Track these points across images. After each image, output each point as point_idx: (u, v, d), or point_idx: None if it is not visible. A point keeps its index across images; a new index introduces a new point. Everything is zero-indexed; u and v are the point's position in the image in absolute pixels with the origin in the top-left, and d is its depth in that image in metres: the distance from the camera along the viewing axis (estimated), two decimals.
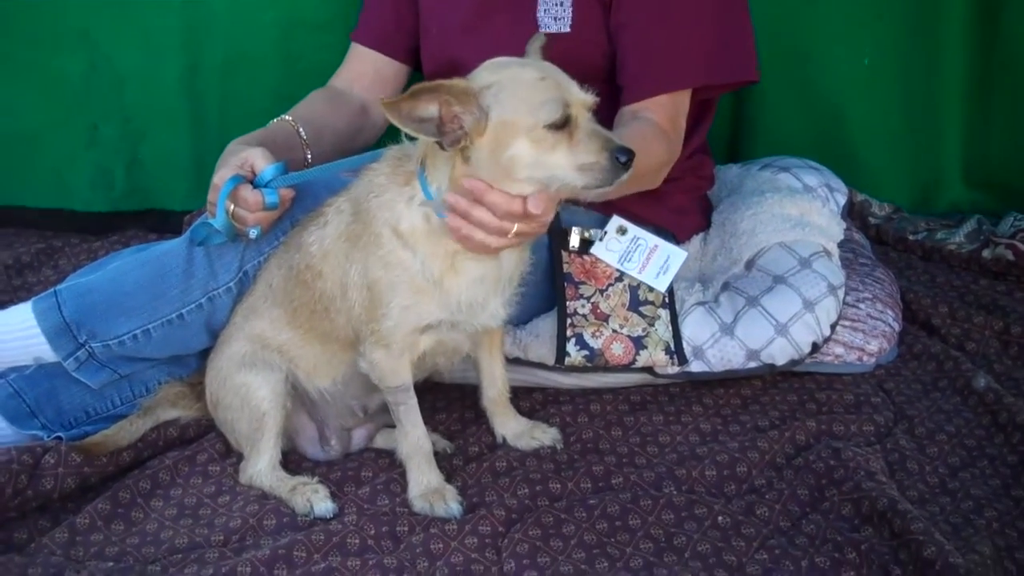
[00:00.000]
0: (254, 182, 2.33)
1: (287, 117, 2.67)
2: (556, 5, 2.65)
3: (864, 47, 3.57)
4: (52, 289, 2.51)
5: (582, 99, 2.07)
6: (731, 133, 3.73)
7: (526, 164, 2.05)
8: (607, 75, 2.65)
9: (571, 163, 2.04)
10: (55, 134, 3.64)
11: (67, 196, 3.71)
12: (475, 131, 2.04)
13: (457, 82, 2.04)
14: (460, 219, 2.10)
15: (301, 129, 2.64)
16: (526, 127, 2.03)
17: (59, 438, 2.46)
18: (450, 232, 2.13)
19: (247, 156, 2.35)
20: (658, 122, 2.58)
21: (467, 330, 2.30)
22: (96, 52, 3.55)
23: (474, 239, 2.11)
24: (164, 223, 3.63)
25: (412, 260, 2.19)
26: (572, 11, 2.64)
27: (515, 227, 2.10)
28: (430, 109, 2.02)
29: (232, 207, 2.32)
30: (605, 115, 2.56)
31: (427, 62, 2.89)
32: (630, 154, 2.04)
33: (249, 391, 2.36)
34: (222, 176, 2.33)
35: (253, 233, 2.36)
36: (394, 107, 2.00)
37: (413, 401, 2.33)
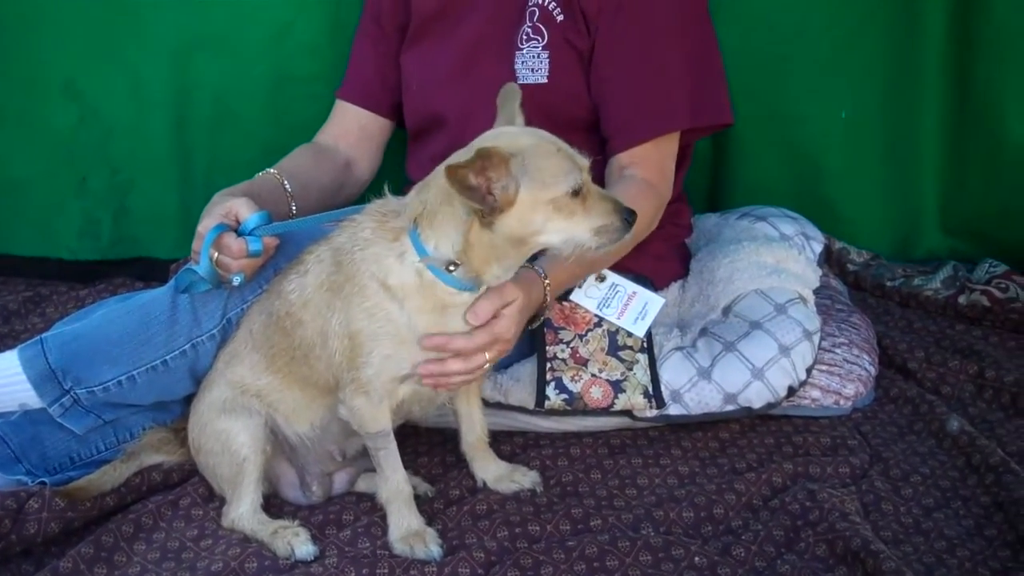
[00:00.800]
0: (238, 230, 2.38)
1: (272, 171, 2.72)
2: (533, 57, 2.72)
3: (842, 100, 3.64)
4: (38, 337, 2.55)
5: (585, 164, 2.16)
6: (711, 184, 3.79)
7: (549, 231, 2.15)
8: (584, 124, 2.72)
9: (588, 226, 2.15)
10: (44, 184, 3.68)
11: (55, 245, 3.74)
12: (505, 200, 2.11)
13: (497, 149, 2.09)
14: (435, 376, 2.27)
15: (286, 182, 2.69)
16: (552, 196, 2.12)
17: (43, 483, 2.48)
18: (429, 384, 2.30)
19: (231, 206, 2.40)
20: (644, 177, 2.66)
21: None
22: (84, 105, 3.59)
23: (453, 381, 2.31)
24: (151, 272, 3.66)
25: (399, 313, 2.23)
26: (549, 63, 2.71)
27: (487, 356, 2.28)
28: (477, 177, 2.09)
29: (216, 255, 2.37)
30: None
31: (409, 117, 2.97)
32: (635, 214, 2.17)
33: (229, 436, 2.40)
34: (206, 225, 2.38)
35: (236, 280, 2.40)
36: (456, 175, 2.06)
37: (393, 446, 2.37)
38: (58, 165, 3.67)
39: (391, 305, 2.23)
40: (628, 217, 2.16)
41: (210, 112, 3.62)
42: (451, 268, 2.20)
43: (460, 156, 2.13)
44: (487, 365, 2.32)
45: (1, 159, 3.67)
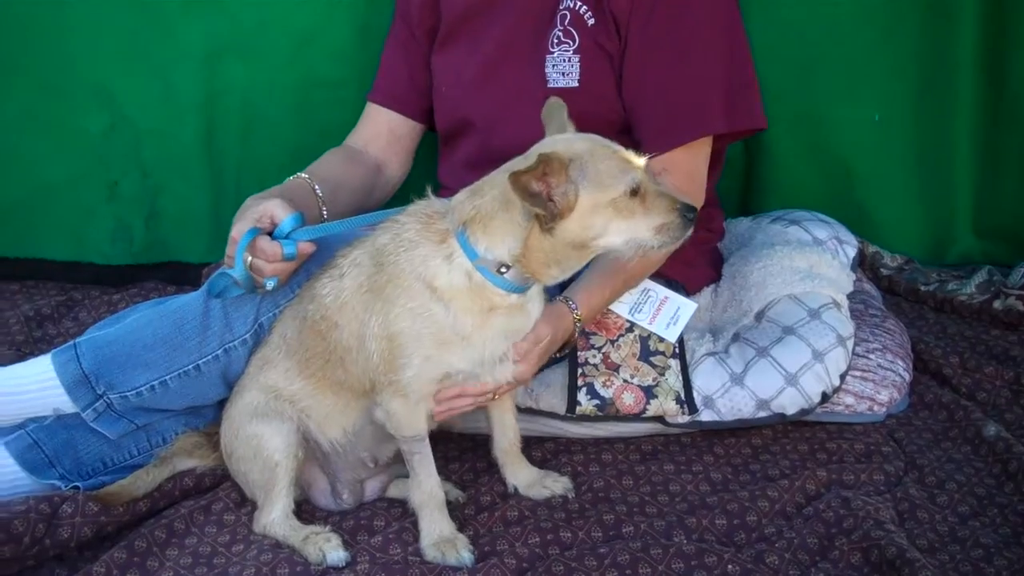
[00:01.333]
0: (273, 234, 2.39)
1: (303, 175, 2.72)
2: (564, 61, 2.72)
3: (874, 104, 3.62)
4: (71, 342, 2.56)
5: (641, 163, 2.17)
6: (743, 188, 3.78)
7: (610, 232, 2.16)
8: (616, 128, 2.71)
9: (649, 225, 2.16)
10: (76, 188, 3.69)
11: (87, 249, 3.75)
12: (566, 205, 2.13)
13: (555, 154, 2.10)
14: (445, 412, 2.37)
15: (317, 186, 2.69)
16: (612, 198, 2.13)
17: (77, 488, 2.50)
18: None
19: (265, 207, 2.41)
20: (675, 184, 2.64)
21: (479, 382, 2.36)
22: (116, 110, 3.61)
23: (464, 410, 2.41)
24: (182, 276, 3.69)
25: (444, 314, 2.24)
26: (580, 66, 2.71)
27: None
28: (537, 183, 2.10)
29: (250, 259, 2.37)
30: None
31: (439, 120, 2.97)
32: (695, 210, 2.17)
33: (261, 442, 2.40)
34: (240, 229, 2.38)
35: (270, 284, 2.41)
36: (519, 182, 2.08)
37: (427, 451, 2.37)
38: (90, 170, 3.68)
39: (436, 306, 2.24)
40: (688, 213, 2.17)
41: (239, 117, 3.64)
42: (502, 270, 2.21)
43: (520, 163, 2.16)
44: (497, 398, 2.40)
45: (34, 164, 3.68)
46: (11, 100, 3.61)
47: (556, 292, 2.48)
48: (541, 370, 2.52)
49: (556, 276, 2.25)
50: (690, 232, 2.18)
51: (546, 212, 2.12)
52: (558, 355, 2.58)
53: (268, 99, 3.63)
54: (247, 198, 2.52)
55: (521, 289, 2.25)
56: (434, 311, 2.24)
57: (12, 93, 3.61)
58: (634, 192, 2.14)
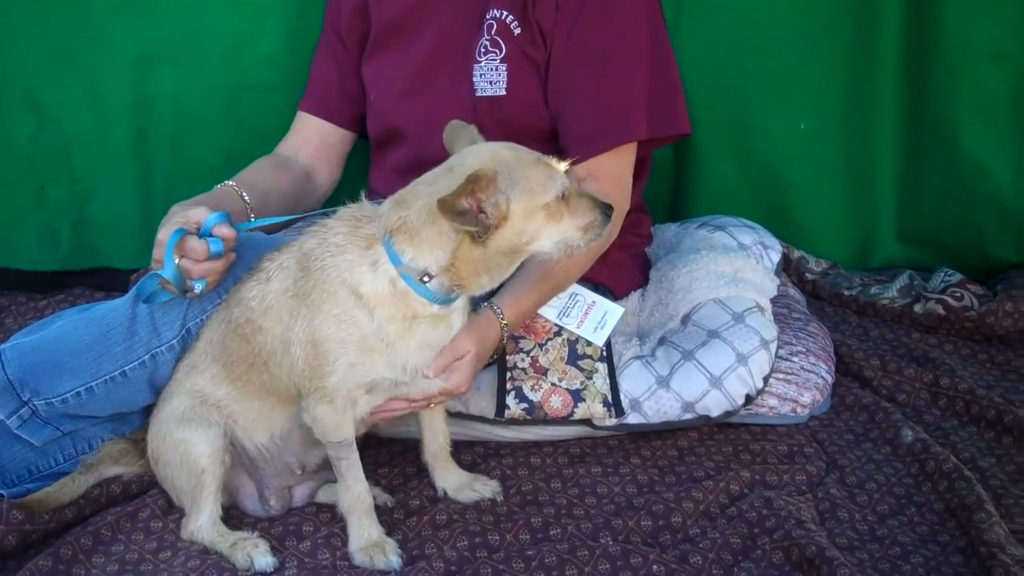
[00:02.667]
0: (199, 232, 2.38)
1: (231, 183, 2.71)
2: (491, 70, 2.74)
3: (802, 112, 3.68)
4: None
5: (563, 168, 2.23)
6: (672, 194, 3.82)
7: (542, 237, 2.20)
8: (542, 135, 2.74)
9: (575, 225, 2.20)
10: (2, 193, 3.64)
11: (14, 255, 3.71)
12: (499, 216, 2.15)
13: (483, 171, 2.11)
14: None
15: (244, 193, 2.68)
16: (544, 203, 2.17)
17: (0, 496, 2.47)
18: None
19: (191, 214, 2.40)
20: (600, 190, 2.64)
21: (408, 392, 2.37)
22: (44, 114, 3.57)
23: (399, 416, 2.45)
24: (111, 282, 3.64)
25: (368, 321, 2.24)
26: (507, 75, 2.73)
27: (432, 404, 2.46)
28: (465, 200, 2.12)
29: (178, 259, 2.36)
30: None
31: (371, 128, 2.98)
32: (612, 208, 2.24)
33: (188, 447, 2.39)
34: (167, 231, 2.37)
35: (199, 287, 2.39)
36: (449, 206, 2.09)
37: (355, 456, 2.37)
38: (17, 174, 3.64)
39: (360, 313, 2.24)
40: (606, 211, 2.22)
41: (169, 121, 3.61)
42: (424, 279, 2.22)
43: (441, 176, 2.19)
44: (432, 406, 2.44)
45: None
46: None
47: (482, 300, 2.50)
48: None
49: (485, 285, 2.27)
50: (608, 226, 2.23)
51: (478, 227, 2.13)
52: (488, 363, 2.60)
53: (199, 103, 3.60)
54: (173, 206, 2.50)
55: (443, 300, 2.26)
56: (358, 318, 2.24)
57: None
58: (561, 197, 2.18)
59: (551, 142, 2.76)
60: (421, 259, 2.20)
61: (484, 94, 2.74)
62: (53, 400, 2.49)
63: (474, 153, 2.23)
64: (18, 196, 3.65)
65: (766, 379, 2.80)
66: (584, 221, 2.21)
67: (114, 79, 3.56)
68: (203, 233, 2.38)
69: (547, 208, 2.17)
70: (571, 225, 2.20)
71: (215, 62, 3.57)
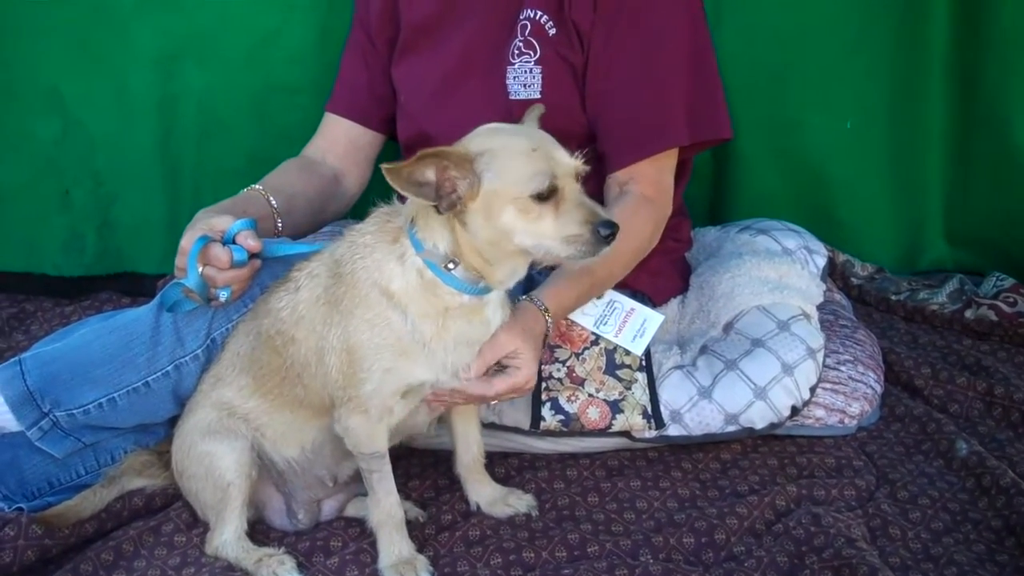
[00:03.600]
0: (223, 240, 2.35)
1: (257, 186, 2.69)
2: (526, 72, 2.69)
3: (847, 110, 3.62)
4: (16, 358, 2.52)
5: (570, 168, 2.13)
6: (712, 197, 3.78)
7: (516, 232, 2.11)
8: (579, 140, 2.66)
9: (557, 234, 2.10)
10: (26, 197, 3.64)
11: (39, 260, 3.71)
12: (468, 196, 2.10)
13: (455, 149, 2.11)
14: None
15: (272, 198, 2.65)
16: (514, 196, 2.10)
17: (20, 509, 2.44)
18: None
19: (214, 222, 2.37)
20: (642, 192, 2.63)
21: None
22: (68, 115, 3.56)
23: (459, 404, 2.39)
24: (138, 286, 3.65)
25: (402, 322, 2.21)
26: (542, 78, 2.68)
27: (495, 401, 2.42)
28: (427, 174, 2.09)
29: (202, 267, 2.33)
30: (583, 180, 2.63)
31: (400, 131, 2.94)
32: (613, 228, 2.10)
33: (213, 460, 2.36)
34: (190, 239, 2.34)
35: (223, 295, 2.37)
36: (395, 172, 2.06)
37: (387, 468, 2.33)
38: (41, 177, 3.64)
39: (393, 314, 2.21)
40: (604, 230, 2.10)
41: (195, 121, 3.60)
42: (449, 266, 2.18)
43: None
44: (499, 400, 2.38)
45: None
46: None
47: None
48: None
49: (500, 278, 2.22)
50: (607, 250, 2.12)
51: (437, 202, 2.09)
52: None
53: (225, 103, 3.59)
54: (198, 211, 2.48)
55: (474, 290, 2.21)
56: (392, 319, 2.21)
57: None
58: (543, 196, 2.09)
59: (589, 146, 2.70)
60: (437, 241, 2.17)
61: (518, 97, 2.69)
62: (75, 411, 2.46)
63: (479, 132, 2.20)
64: (42, 200, 3.66)
65: (812, 390, 2.74)
66: (569, 232, 2.10)
67: (138, 79, 3.55)
68: (227, 240, 2.36)
69: (518, 204, 2.09)
70: (553, 231, 2.10)
71: (241, 61, 3.55)
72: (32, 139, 3.60)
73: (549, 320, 2.42)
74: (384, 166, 2.05)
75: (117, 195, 3.66)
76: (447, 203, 2.10)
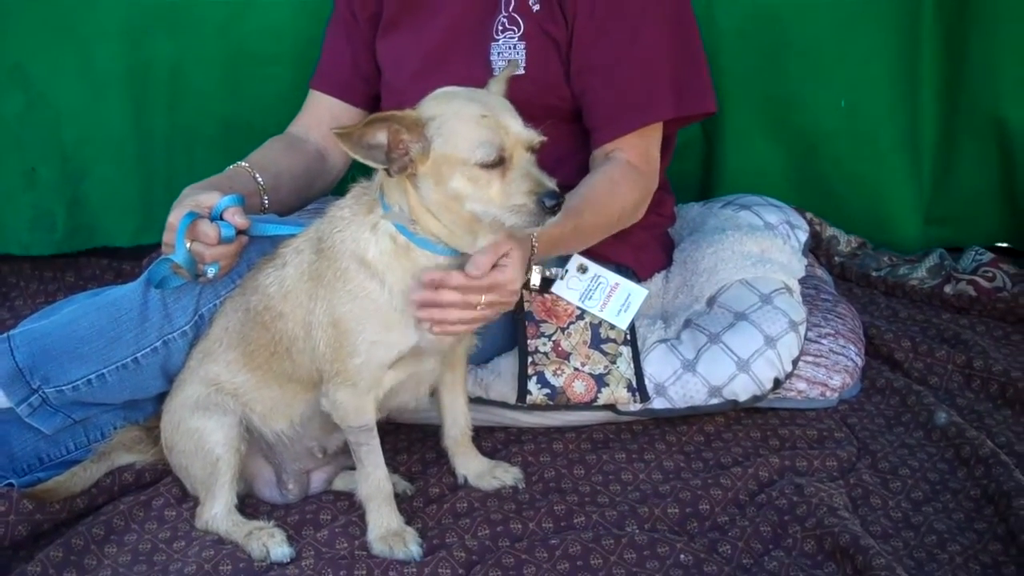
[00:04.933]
0: (211, 216, 2.45)
1: (243, 163, 2.77)
2: (509, 48, 2.78)
3: (842, 88, 3.75)
4: (4, 334, 2.59)
5: (522, 138, 2.21)
6: (703, 174, 3.90)
7: (463, 197, 2.21)
8: (563, 115, 2.80)
9: (502, 203, 2.19)
10: None
11: (3, 239, 3.74)
12: (419, 160, 2.21)
13: (407, 113, 2.22)
14: (430, 310, 2.29)
15: (257, 175, 2.74)
16: (461, 163, 2.19)
17: (11, 485, 2.53)
18: (424, 325, 2.32)
19: (202, 199, 2.46)
20: (629, 160, 2.74)
21: (434, 356, 2.43)
22: (31, 89, 3.59)
23: (448, 319, 2.31)
24: (114, 259, 3.73)
25: (380, 291, 2.31)
26: (526, 53, 2.78)
27: (483, 298, 2.31)
28: (379, 137, 2.20)
29: (190, 244, 2.43)
30: (564, 154, 2.75)
31: (384, 107, 3.00)
32: (558, 199, 2.19)
33: (202, 436, 2.46)
34: (177, 215, 2.43)
35: (211, 271, 2.47)
36: (346, 135, 2.17)
37: (376, 442, 2.43)
38: (5, 155, 3.66)
39: (372, 284, 2.31)
40: (549, 200, 2.17)
41: (167, 92, 3.65)
42: (416, 227, 2.29)
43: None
44: (486, 311, 2.36)
45: None
46: None
47: None
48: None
49: (459, 242, 2.29)
50: (554, 219, 2.20)
51: (386, 165, 2.21)
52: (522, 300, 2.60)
53: (197, 73, 3.66)
54: (185, 188, 2.57)
55: (447, 251, 2.30)
56: (370, 290, 2.31)
57: None
58: (490, 165, 2.19)
59: (574, 122, 2.82)
60: (400, 203, 2.28)
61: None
62: (64, 388, 2.55)
63: (435, 95, 2.30)
64: (6, 178, 3.68)
65: (795, 362, 2.86)
66: (514, 202, 2.18)
67: (105, 50, 3.60)
68: (214, 216, 2.45)
69: (464, 171, 2.19)
70: (500, 200, 2.19)
71: (213, 30, 3.62)
72: None
73: (535, 242, 2.48)
74: (334, 130, 2.17)
75: (86, 170, 3.70)
76: (397, 165, 2.21)
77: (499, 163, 2.19)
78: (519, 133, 2.21)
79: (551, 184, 2.20)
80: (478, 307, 2.32)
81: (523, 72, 2.77)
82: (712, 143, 3.85)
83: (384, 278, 2.31)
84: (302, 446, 2.56)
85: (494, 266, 2.30)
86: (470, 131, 2.19)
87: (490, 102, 2.26)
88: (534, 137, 2.23)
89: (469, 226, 2.28)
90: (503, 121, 2.21)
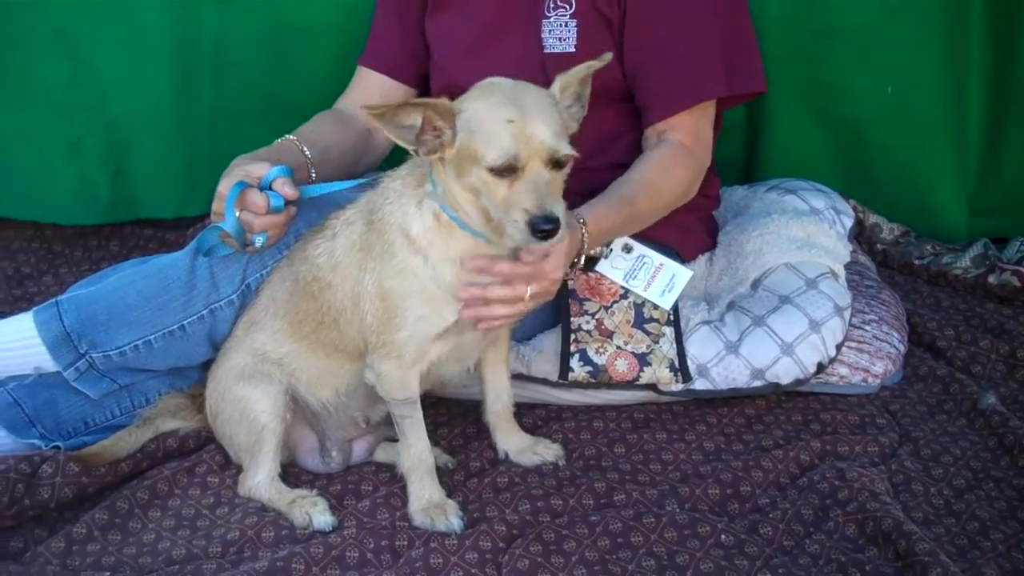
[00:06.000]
0: (260, 186, 2.46)
1: (291, 137, 2.77)
2: (560, 26, 2.78)
3: (889, 74, 3.71)
4: (53, 299, 2.63)
5: (541, 150, 2.18)
6: (745, 156, 3.88)
7: (478, 192, 2.22)
8: (614, 95, 2.79)
9: (503, 212, 2.18)
10: (35, 145, 3.67)
11: (48, 210, 3.75)
12: (448, 146, 2.22)
13: (441, 101, 2.23)
14: (476, 306, 2.32)
15: (305, 148, 2.74)
16: (476, 162, 2.19)
17: (57, 447, 2.57)
18: (470, 321, 2.34)
19: (251, 169, 2.48)
20: (681, 141, 2.74)
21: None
22: (78, 59, 3.60)
23: (495, 314, 2.32)
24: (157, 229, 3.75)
25: (423, 267, 2.32)
26: (577, 31, 2.77)
27: (528, 289, 2.31)
28: (411, 119, 2.22)
29: (239, 213, 2.45)
30: (615, 133, 2.77)
31: (434, 87, 3.02)
32: (552, 225, 2.14)
33: (248, 404, 2.48)
34: (227, 184, 2.45)
35: (259, 241, 2.49)
36: (379, 115, 2.20)
37: (419, 415, 2.45)
38: (51, 125, 3.67)
39: (416, 259, 2.32)
40: (541, 224, 2.13)
41: (211, 64, 3.67)
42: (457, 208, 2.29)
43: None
44: (529, 304, 2.36)
45: None
46: None
47: None
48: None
49: (483, 228, 2.29)
50: (546, 244, 2.19)
51: (414, 145, 2.24)
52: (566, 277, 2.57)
53: (241, 47, 3.67)
54: (234, 159, 2.58)
55: (482, 236, 2.30)
56: (415, 266, 2.32)
57: None
58: (500, 171, 2.17)
59: (625, 101, 2.82)
60: (441, 182, 2.29)
61: (552, 51, 2.78)
62: (111, 353, 2.58)
63: (480, 85, 2.31)
64: (51, 149, 3.69)
65: (839, 347, 2.85)
66: (511, 216, 2.16)
67: (152, 21, 3.60)
68: (263, 187, 2.47)
69: (480, 171, 2.19)
70: (502, 208, 2.18)
71: (258, 3, 3.63)
72: (40, 86, 3.62)
73: (586, 238, 2.49)
74: (365, 107, 2.22)
75: (131, 142, 3.71)
76: (427, 148, 2.23)
77: (511, 171, 2.17)
78: (540, 144, 2.18)
79: (550, 208, 2.15)
80: (523, 300, 2.33)
81: (574, 51, 2.77)
82: (756, 127, 3.83)
83: (428, 255, 2.32)
84: (346, 415, 2.57)
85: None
86: (492, 134, 2.18)
87: (527, 104, 2.22)
88: (557, 150, 2.19)
89: (487, 218, 2.27)
90: (529, 129, 2.18)
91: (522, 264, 2.29)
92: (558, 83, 2.33)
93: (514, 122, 2.17)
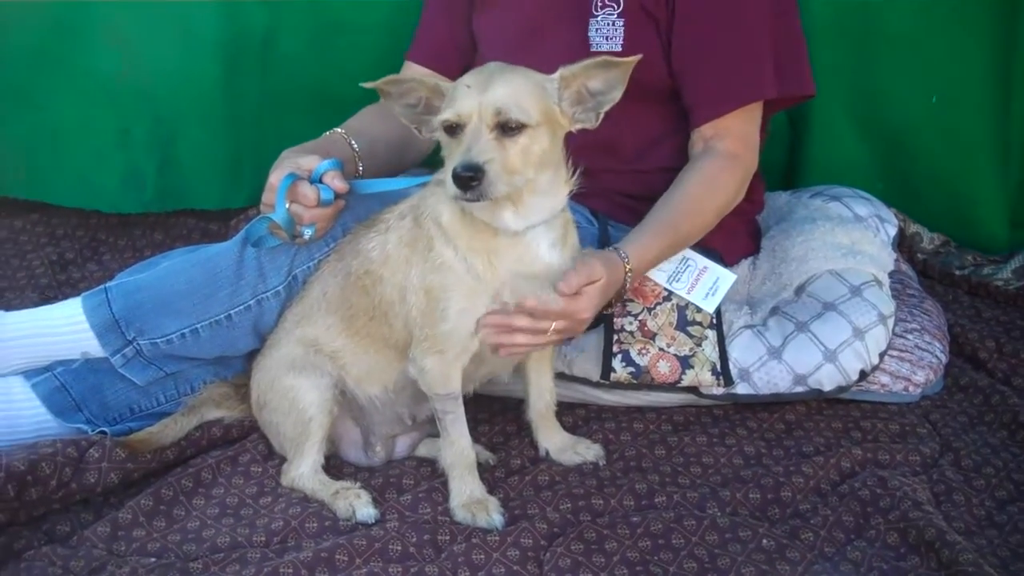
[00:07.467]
0: (310, 179, 2.46)
1: (339, 130, 2.77)
2: (608, 24, 2.77)
3: (934, 83, 3.67)
4: (102, 286, 2.63)
5: (485, 110, 2.18)
6: (787, 162, 3.85)
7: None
8: (660, 95, 2.78)
9: (447, 169, 2.21)
10: (84, 133, 3.69)
11: (95, 197, 3.77)
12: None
13: (437, 81, 2.32)
14: (499, 335, 2.35)
15: (353, 141, 2.74)
16: (438, 121, 2.24)
17: (103, 432, 2.57)
18: (493, 349, 2.38)
19: (302, 162, 2.47)
20: (727, 148, 2.72)
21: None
22: (128, 49, 3.62)
23: (516, 342, 2.37)
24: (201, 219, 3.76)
25: (455, 258, 2.32)
26: (624, 30, 2.76)
27: (552, 325, 2.31)
28: (410, 98, 2.35)
29: (289, 204, 2.44)
30: (661, 135, 2.77)
31: None
32: (471, 171, 2.13)
33: (297, 395, 2.47)
34: (278, 176, 2.44)
35: (307, 233, 2.48)
36: (383, 92, 2.33)
37: (461, 411, 2.44)
38: (100, 114, 3.69)
39: (448, 250, 2.32)
40: (460, 171, 2.13)
41: (259, 59, 3.67)
42: None
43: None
44: (552, 338, 2.39)
45: (40, 106, 3.69)
46: (21, 36, 3.62)
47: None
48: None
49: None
50: (470, 195, 2.16)
51: (417, 124, 2.36)
52: (605, 311, 2.62)
53: (289, 41, 3.67)
54: (284, 151, 2.58)
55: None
56: (448, 258, 2.32)
57: (22, 29, 3.61)
58: (449, 131, 2.23)
59: (670, 103, 2.79)
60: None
61: (600, 49, 2.76)
62: (158, 340, 2.58)
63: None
64: (100, 136, 3.71)
65: (882, 355, 2.82)
66: (447, 174, 2.18)
67: (202, 15, 3.61)
68: (314, 179, 2.46)
69: (441, 135, 2.27)
70: (448, 165, 2.21)
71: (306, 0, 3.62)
72: (91, 75, 3.65)
73: (629, 275, 2.51)
74: (364, 85, 2.33)
75: (178, 132, 3.72)
76: (425, 128, 2.31)
77: (458, 129, 2.20)
78: (485, 105, 2.17)
79: (473, 157, 2.15)
80: (547, 333, 2.35)
81: (620, 50, 2.74)
82: (799, 133, 3.80)
83: (457, 244, 2.32)
84: (393, 412, 2.56)
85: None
86: (450, 98, 2.24)
87: (496, 75, 2.23)
88: (502, 111, 2.18)
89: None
90: (483, 92, 2.18)
91: (552, 302, 2.31)
92: (558, 74, 2.30)
93: (471, 87, 2.20)
